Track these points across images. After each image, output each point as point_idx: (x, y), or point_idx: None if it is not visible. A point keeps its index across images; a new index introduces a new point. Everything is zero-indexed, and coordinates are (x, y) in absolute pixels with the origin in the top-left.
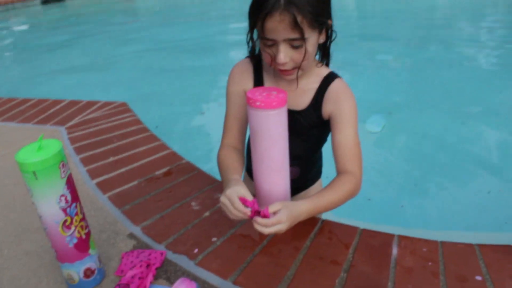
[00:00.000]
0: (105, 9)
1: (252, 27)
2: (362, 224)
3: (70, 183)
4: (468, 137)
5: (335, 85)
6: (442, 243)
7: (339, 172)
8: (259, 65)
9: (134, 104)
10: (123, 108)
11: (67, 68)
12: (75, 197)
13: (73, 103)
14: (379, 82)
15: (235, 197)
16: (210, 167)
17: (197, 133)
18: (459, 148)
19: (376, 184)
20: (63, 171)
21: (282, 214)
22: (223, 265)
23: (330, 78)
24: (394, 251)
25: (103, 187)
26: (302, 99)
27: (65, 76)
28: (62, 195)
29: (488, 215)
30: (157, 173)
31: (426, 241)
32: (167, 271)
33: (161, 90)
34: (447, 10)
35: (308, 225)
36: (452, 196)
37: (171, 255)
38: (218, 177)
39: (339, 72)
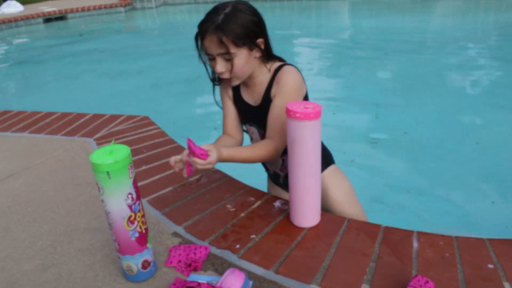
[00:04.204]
0: (107, 28)
1: (198, 47)
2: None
3: (135, 183)
4: (468, 148)
5: (280, 72)
6: (457, 237)
7: (265, 137)
8: None
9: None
10: (147, 121)
11: (70, 82)
12: (138, 196)
13: (97, 116)
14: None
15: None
16: (239, 173)
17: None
18: (462, 160)
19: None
20: (131, 172)
21: (212, 158)
22: (264, 258)
23: (279, 68)
24: (415, 244)
25: (141, 192)
26: (258, 95)
27: (70, 89)
28: (129, 193)
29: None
30: (190, 179)
31: (442, 236)
32: (214, 263)
33: (174, 105)
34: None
35: (337, 224)
36: (455, 205)
37: (215, 250)
38: (247, 182)
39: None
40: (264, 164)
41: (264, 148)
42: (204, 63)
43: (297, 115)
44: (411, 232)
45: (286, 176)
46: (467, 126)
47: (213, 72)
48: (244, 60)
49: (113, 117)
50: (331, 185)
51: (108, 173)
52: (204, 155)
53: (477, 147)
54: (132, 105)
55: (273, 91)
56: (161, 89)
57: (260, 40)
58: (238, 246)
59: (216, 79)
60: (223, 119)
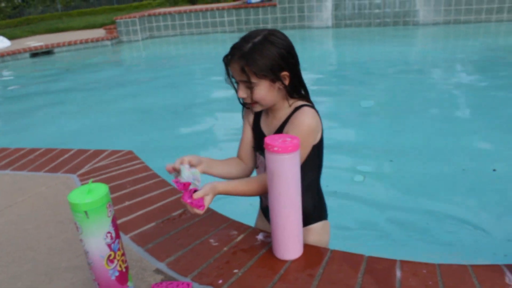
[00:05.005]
0: (93, 61)
1: (227, 71)
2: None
3: (114, 221)
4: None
5: (298, 111)
6: (439, 265)
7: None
8: None
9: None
10: (130, 156)
11: (56, 117)
12: (117, 234)
13: (81, 151)
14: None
15: (178, 160)
16: (221, 205)
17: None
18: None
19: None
20: (110, 211)
21: (208, 201)
22: None
23: (299, 107)
24: (398, 273)
25: (124, 228)
26: (274, 127)
27: (56, 124)
28: (108, 232)
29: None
30: (174, 214)
31: (426, 264)
32: None
33: (158, 137)
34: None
35: (319, 255)
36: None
37: (197, 286)
38: (231, 216)
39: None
40: (260, 197)
41: (259, 182)
42: (232, 84)
43: (275, 148)
44: (394, 261)
45: None
46: (452, 151)
47: None
48: (264, 91)
49: (97, 152)
50: (308, 239)
51: (86, 212)
52: (202, 206)
53: (463, 172)
54: (118, 138)
55: (286, 128)
56: (148, 121)
57: (284, 74)
58: (220, 281)
59: (241, 102)
60: (240, 142)
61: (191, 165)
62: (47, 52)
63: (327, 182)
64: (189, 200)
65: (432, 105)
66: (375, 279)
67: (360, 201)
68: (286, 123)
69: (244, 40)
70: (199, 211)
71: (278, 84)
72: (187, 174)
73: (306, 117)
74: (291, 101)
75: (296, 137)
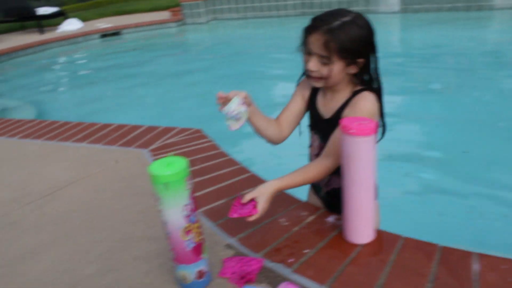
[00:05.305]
0: (158, 43)
1: (303, 37)
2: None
3: (192, 195)
4: None
5: (358, 96)
6: None
7: (321, 155)
8: None
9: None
10: (199, 134)
11: (124, 95)
12: (195, 207)
13: (151, 128)
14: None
15: (233, 92)
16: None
17: (272, 157)
18: None
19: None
20: (188, 184)
21: (260, 204)
22: (318, 273)
23: (359, 91)
24: (475, 266)
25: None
26: (331, 109)
27: (124, 102)
28: (186, 205)
29: None
30: (243, 192)
31: (504, 259)
32: (267, 276)
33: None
34: None
35: (391, 242)
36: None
37: (268, 263)
38: (301, 197)
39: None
40: None
41: (316, 170)
42: (303, 53)
43: (352, 130)
44: (470, 253)
45: (327, 192)
46: None
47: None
48: (337, 70)
49: (167, 130)
50: None
51: (166, 184)
52: (253, 211)
53: None
54: (184, 118)
55: (346, 112)
56: (213, 103)
57: (360, 60)
58: (291, 260)
59: (305, 72)
60: (284, 107)
61: (245, 103)
62: (115, 33)
63: (399, 166)
64: (235, 215)
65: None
66: (450, 270)
67: (431, 190)
68: (345, 106)
69: (332, 15)
70: (255, 216)
71: (351, 68)
72: (233, 107)
73: (367, 102)
74: (352, 85)
75: (373, 121)
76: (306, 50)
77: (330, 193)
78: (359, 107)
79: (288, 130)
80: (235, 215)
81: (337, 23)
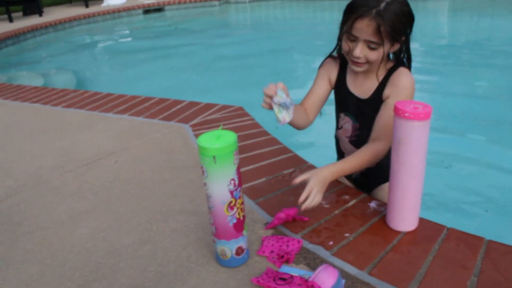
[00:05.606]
0: (200, 21)
1: (343, 22)
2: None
3: (238, 170)
4: None
5: (396, 72)
6: None
7: (370, 139)
8: (344, 64)
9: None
10: (240, 112)
11: (165, 70)
12: (240, 182)
13: (192, 104)
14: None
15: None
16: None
17: (313, 137)
18: None
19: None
20: (236, 158)
21: (311, 183)
22: (357, 257)
23: (394, 68)
24: None
25: None
26: (368, 89)
27: (165, 77)
28: (232, 179)
29: None
30: (284, 172)
31: None
32: (306, 257)
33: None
34: None
35: (435, 231)
36: None
37: (307, 244)
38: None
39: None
40: (341, 154)
41: (369, 154)
42: (341, 37)
43: (406, 114)
44: None
45: (362, 173)
46: None
47: (339, 48)
48: (383, 52)
49: (208, 106)
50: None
51: (214, 157)
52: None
53: None
54: (224, 96)
55: (388, 91)
56: (254, 81)
57: (403, 38)
58: (331, 243)
59: (336, 54)
60: (308, 92)
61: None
62: (158, 9)
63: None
64: (283, 215)
65: None
66: (496, 266)
67: (474, 181)
68: (383, 84)
69: None
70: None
71: (395, 47)
72: (284, 96)
73: (407, 77)
74: (384, 62)
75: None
76: (349, 37)
77: (364, 174)
78: (402, 85)
79: (314, 115)
80: (282, 217)
81: (382, 4)
